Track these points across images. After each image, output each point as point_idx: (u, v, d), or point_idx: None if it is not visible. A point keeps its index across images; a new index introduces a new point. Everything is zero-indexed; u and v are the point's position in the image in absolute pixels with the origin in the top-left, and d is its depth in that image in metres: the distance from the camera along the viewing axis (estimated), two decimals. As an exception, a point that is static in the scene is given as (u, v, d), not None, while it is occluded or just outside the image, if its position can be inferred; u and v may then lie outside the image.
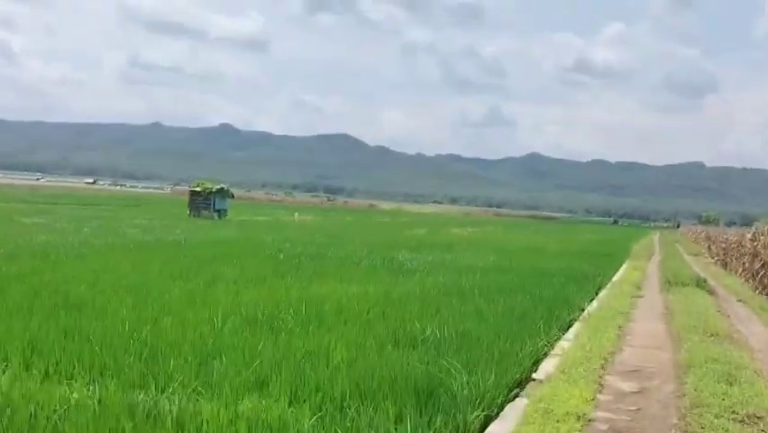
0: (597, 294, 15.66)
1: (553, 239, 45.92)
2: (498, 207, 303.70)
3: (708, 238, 42.62)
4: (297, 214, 47.30)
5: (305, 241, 25.93)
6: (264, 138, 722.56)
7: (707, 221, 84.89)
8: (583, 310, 12.56)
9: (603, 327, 10.40)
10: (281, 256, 18.32)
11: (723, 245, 31.61)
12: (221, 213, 44.64)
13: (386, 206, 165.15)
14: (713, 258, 34.51)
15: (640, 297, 15.57)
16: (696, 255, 38.56)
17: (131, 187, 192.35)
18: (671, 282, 18.32)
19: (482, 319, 10.00)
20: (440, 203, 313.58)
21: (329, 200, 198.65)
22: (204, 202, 44.51)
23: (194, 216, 43.66)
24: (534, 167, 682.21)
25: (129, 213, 45.13)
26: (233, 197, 48.92)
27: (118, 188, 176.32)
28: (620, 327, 10.73)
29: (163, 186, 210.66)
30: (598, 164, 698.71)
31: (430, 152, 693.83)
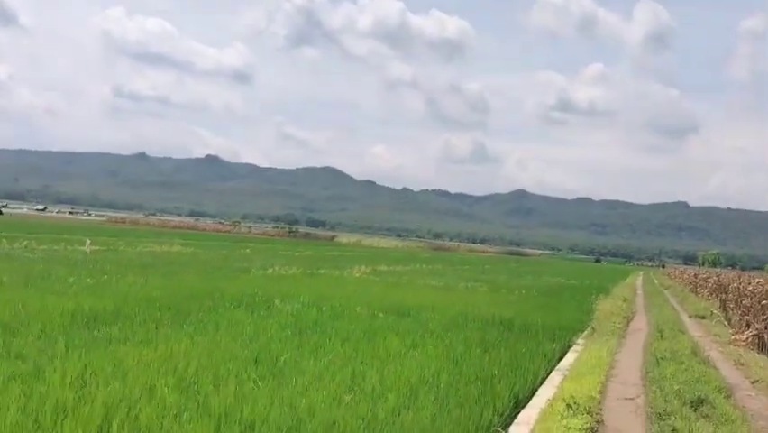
0: None
1: (494, 284, 31.11)
2: (482, 242, 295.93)
3: (719, 288, 27.76)
4: (89, 242, 32.21)
5: None
6: (250, 170, 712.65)
7: (706, 263, 67.98)
8: None
9: None
10: None
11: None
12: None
13: (346, 239, 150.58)
14: (738, 327, 19.41)
15: None
16: (702, 318, 23.56)
17: (70, 214, 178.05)
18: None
19: None
20: (422, 238, 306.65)
21: (291, 232, 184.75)
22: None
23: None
24: (520, 204, 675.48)
25: None
26: None
27: (64, 214, 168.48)
28: None
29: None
30: (584, 202, 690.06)
31: (416, 187, 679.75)
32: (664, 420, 7.31)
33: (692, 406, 8.02)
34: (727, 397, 9.11)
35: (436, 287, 27.58)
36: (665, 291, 44.82)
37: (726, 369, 12.07)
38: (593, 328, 16.91)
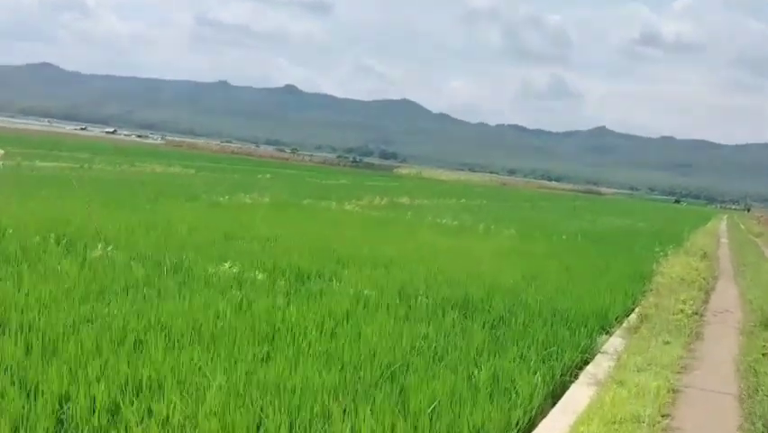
0: None
1: (531, 226, 23.81)
2: (558, 180, 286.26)
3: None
4: (0, 152, 26.48)
5: None
6: (327, 101, 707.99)
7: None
8: None
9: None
10: None
11: None
12: None
13: (406, 170, 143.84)
14: None
15: None
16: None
17: (138, 137, 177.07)
18: None
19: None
20: (495, 173, 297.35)
21: (353, 162, 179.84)
22: None
23: None
24: (601, 142, 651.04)
25: None
26: None
27: (131, 137, 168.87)
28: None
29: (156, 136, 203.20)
30: (666, 141, 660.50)
31: (493, 122, 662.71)
32: None
33: None
34: None
35: (447, 227, 20.62)
36: (757, 240, 36.43)
37: None
38: (642, 316, 9.65)
